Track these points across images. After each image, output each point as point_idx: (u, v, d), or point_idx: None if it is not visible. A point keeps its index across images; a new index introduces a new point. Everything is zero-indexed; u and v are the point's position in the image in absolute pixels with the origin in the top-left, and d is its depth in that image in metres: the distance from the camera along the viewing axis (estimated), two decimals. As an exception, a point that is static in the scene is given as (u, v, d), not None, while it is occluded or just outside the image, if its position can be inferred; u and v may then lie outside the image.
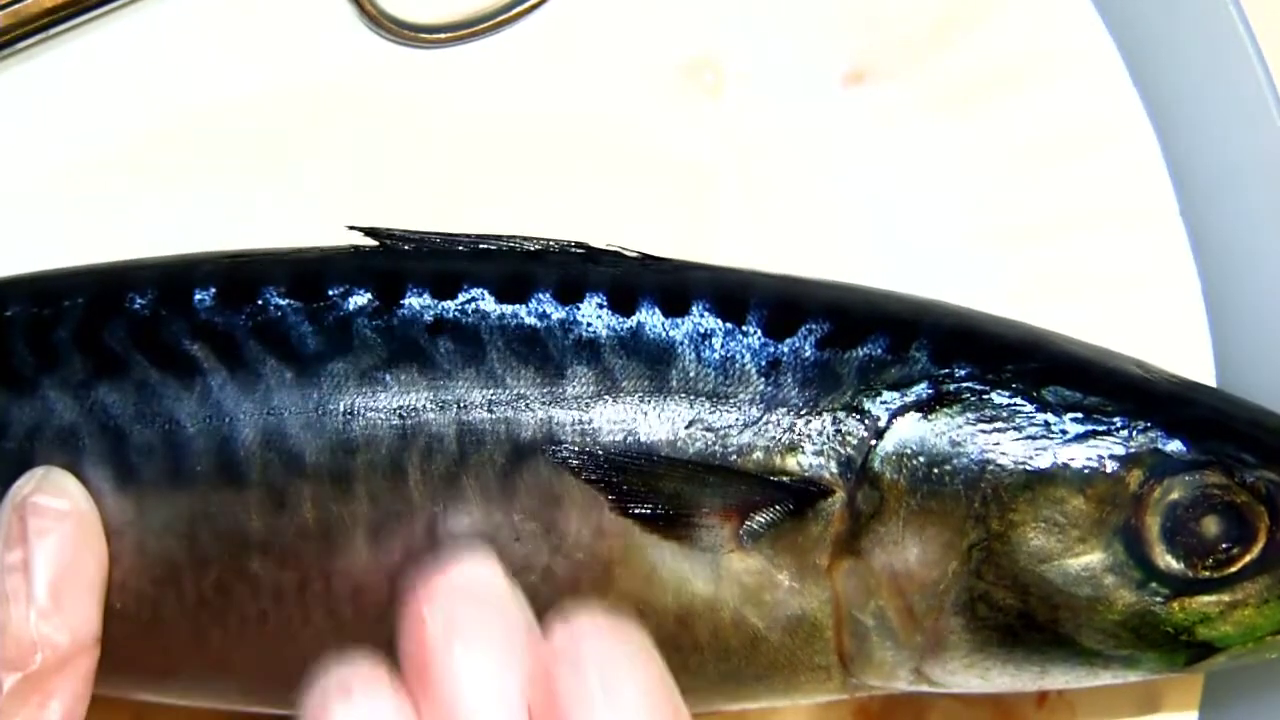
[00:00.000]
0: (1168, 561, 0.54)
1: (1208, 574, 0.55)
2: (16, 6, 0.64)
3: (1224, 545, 0.54)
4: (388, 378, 0.55)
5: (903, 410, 0.55)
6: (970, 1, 0.65)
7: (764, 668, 0.55)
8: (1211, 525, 0.54)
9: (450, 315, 0.55)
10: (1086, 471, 0.55)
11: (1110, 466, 0.55)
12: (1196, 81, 0.65)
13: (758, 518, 0.54)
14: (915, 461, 0.54)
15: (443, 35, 0.66)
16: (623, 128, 0.65)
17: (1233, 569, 0.54)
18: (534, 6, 0.66)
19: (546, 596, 0.54)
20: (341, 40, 0.66)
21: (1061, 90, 0.65)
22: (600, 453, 0.54)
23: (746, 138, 0.66)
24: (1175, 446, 0.55)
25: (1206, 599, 0.55)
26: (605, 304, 0.56)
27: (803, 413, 0.55)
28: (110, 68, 0.65)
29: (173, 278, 0.57)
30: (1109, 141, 0.65)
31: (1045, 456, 0.55)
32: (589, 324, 0.55)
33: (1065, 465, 0.55)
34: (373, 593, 0.54)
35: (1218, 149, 0.64)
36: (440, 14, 0.66)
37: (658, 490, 0.54)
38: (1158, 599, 0.55)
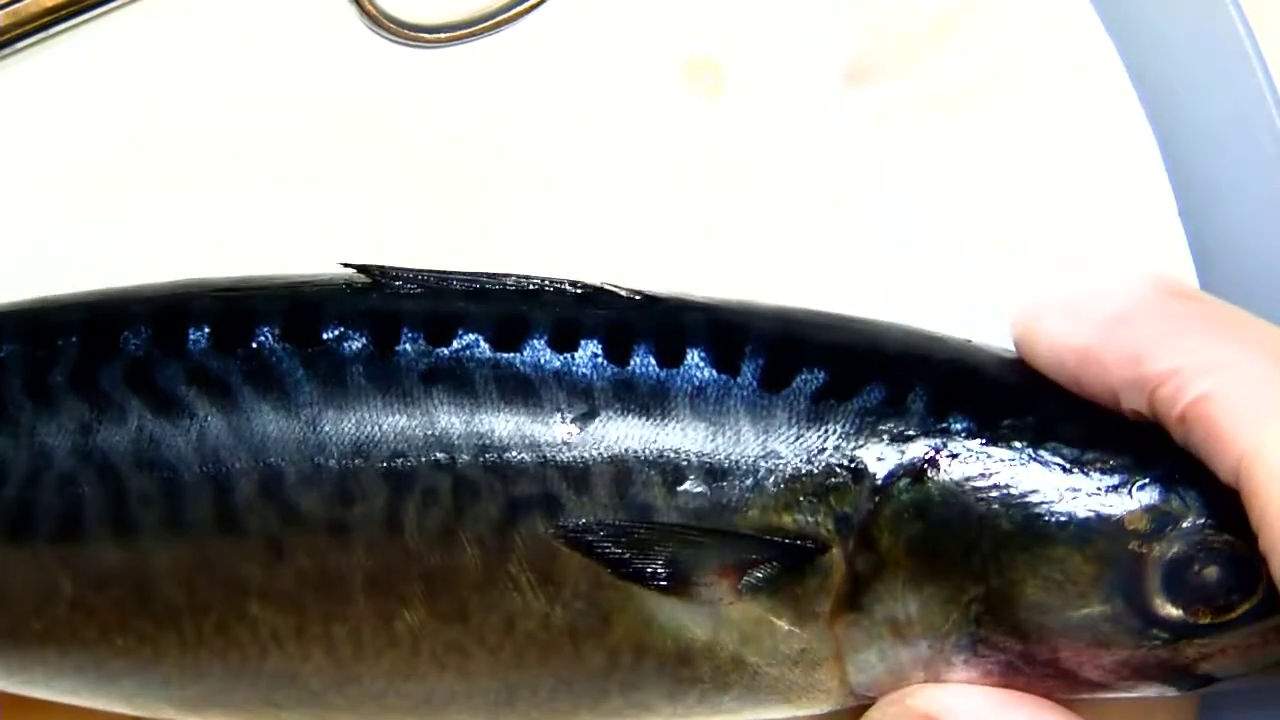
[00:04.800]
0: (1168, 611, 0.54)
1: (1208, 620, 0.54)
2: (16, 6, 0.64)
3: (1225, 593, 0.53)
4: (383, 428, 0.54)
5: (899, 470, 0.54)
6: (970, 1, 0.65)
7: (765, 694, 0.55)
8: (1211, 574, 0.53)
9: (445, 364, 0.55)
10: (1085, 529, 0.54)
11: (1109, 523, 0.54)
12: (1196, 81, 0.65)
13: (755, 574, 0.54)
14: (913, 526, 0.54)
15: (443, 35, 0.66)
16: (623, 128, 0.65)
17: (1233, 615, 0.53)
18: (534, 6, 0.66)
19: (544, 642, 0.54)
20: (341, 40, 0.65)
21: (1061, 90, 0.65)
22: (594, 528, 0.54)
23: (746, 138, 0.65)
24: (1175, 501, 0.54)
25: (1206, 641, 0.54)
26: (600, 353, 0.55)
27: (798, 469, 0.54)
28: (109, 66, 0.65)
29: (167, 313, 0.57)
30: (1109, 142, 0.65)
31: (1043, 515, 0.54)
32: (583, 374, 0.55)
33: (1064, 524, 0.54)
34: (371, 635, 0.54)
35: (1218, 149, 0.64)
36: (440, 14, 0.66)
37: (653, 556, 0.54)
38: (1157, 643, 0.54)
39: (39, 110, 0.65)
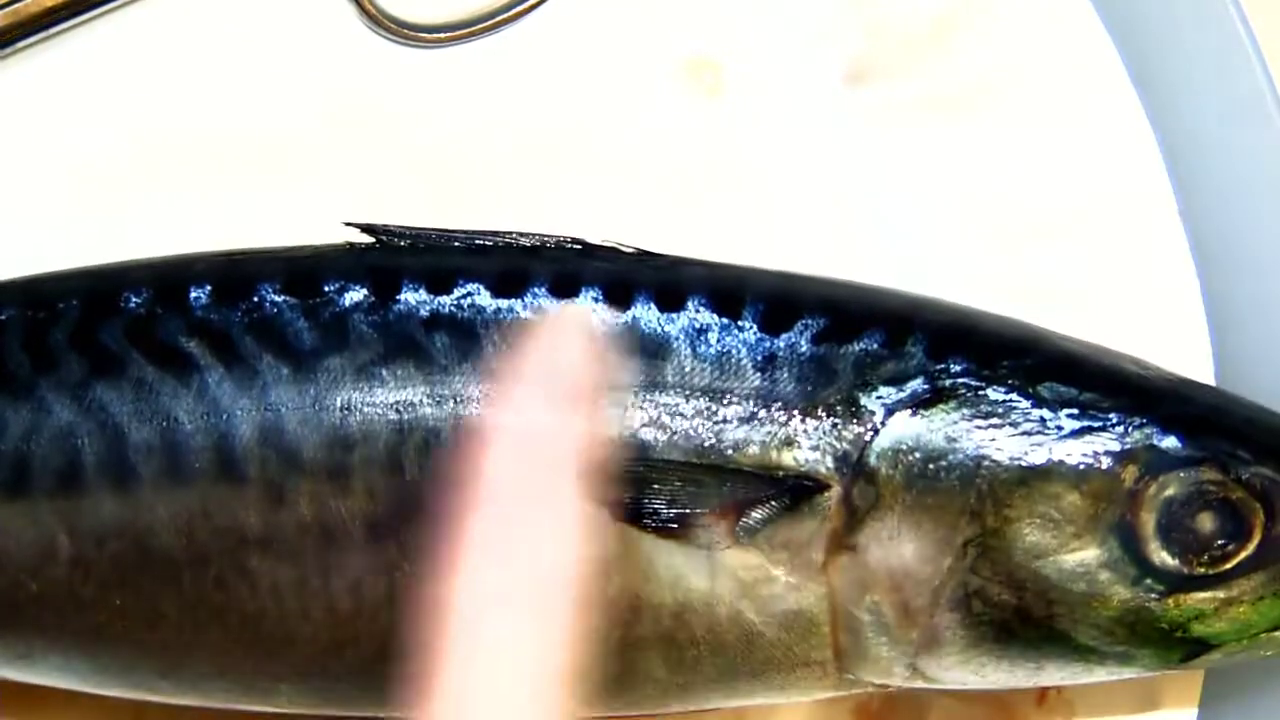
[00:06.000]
0: (1162, 558, 0.54)
1: (1202, 570, 0.54)
2: (16, 6, 0.64)
3: (1219, 542, 0.54)
4: (384, 373, 0.54)
5: (898, 406, 0.54)
6: (970, 1, 0.65)
7: (760, 663, 0.55)
8: (1206, 522, 0.54)
9: (446, 310, 0.55)
10: (1082, 467, 0.54)
11: (1105, 462, 0.54)
12: (1196, 81, 0.65)
13: (754, 514, 0.54)
14: (911, 457, 0.54)
15: (443, 35, 0.66)
16: (623, 128, 0.65)
17: (1227, 566, 0.54)
18: (534, 6, 0.66)
19: None
20: (341, 40, 0.66)
21: (1061, 90, 0.65)
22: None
23: (746, 138, 0.66)
24: (1170, 443, 0.55)
25: (1201, 595, 0.55)
26: (601, 298, 0.56)
27: (799, 408, 0.54)
28: (109, 66, 0.65)
29: (168, 276, 0.57)
30: (1109, 142, 0.65)
31: (1041, 452, 0.54)
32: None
33: (1061, 461, 0.54)
34: (370, 588, 0.54)
35: (1218, 149, 0.64)
36: (440, 14, 0.66)
37: (652, 495, 0.54)
38: (1152, 595, 0.55)
39: (39, 110, 0.65)
